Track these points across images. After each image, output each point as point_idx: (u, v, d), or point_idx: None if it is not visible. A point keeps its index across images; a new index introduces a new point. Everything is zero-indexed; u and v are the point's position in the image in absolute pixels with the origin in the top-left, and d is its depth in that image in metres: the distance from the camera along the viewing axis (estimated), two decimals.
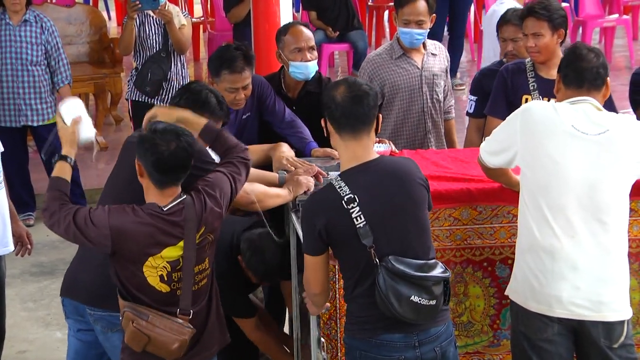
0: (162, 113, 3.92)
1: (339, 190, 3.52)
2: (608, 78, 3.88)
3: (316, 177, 4.43)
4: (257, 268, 4.36)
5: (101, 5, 14.51)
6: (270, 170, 4.55)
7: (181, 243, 3.65)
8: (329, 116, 3.60)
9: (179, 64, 7.23)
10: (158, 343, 3.64)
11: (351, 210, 3.49)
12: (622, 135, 3.73)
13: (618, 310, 3.72)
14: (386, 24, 12.80)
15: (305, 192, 4.27)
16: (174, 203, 3.65)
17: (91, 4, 13.52)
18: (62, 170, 3.80)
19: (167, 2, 6.99)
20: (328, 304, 3.94)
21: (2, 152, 4.72)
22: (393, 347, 3.54)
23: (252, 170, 4.38)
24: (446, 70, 5.51)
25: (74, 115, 3.85)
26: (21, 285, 6.51)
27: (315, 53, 5.07)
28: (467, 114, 5.56)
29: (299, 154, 4.78)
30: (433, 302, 3.51)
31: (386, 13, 12.52)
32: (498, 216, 4.24)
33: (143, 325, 3.62)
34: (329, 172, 4.47)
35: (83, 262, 3.99)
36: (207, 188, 3.73)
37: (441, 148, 5.41)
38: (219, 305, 3.90)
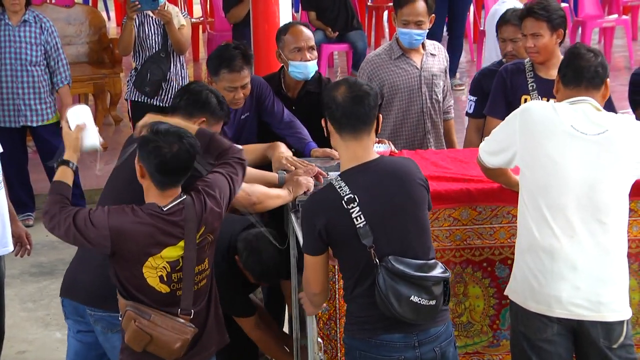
0: (154, 120, 3.92)
1: (339, 190, 3.52)
2: (608, 79, 3.88)
3: (316, 177, 4.44)
4: (254, 268, 4.36)
5: (100, 5, 14.52)
6: (268, 169, 4.56)
7: (181, 243, 3.65)
8: (329, 116, 3.60)
9: (178, 65, 7.23)
10: (160, 342, 3.64)
11: (351, 210, 3.49)
12: (621, 136, 3.73)
13: (617, 310, 3.72)
14: (385, 24, 12.81)
15: (305, 193, 4.28)
16: (173, 203, 3.65)
17: (90, 4, 13.54)
18: (64, 174, 3.80)
19: (167, 3, 6.99)
20: (325, 305, 3.94)
21: (1, 153, 4.72)
22: (393, 347, 3.54)
23: (252, 171, 4.39)
24: (445, 71, 5.51)
25: (79, 121, 3.87)
26: (20, 285, 6.51)
27: (315, 53, 5.08)
28: (467, 114, 5.56)
29: (299, 154, 4.78)
30: (433, 302, 3.51)
31: (385, 13, 12.52)
32: (498, 216, 4.24)
33: (145, 324, 3.62)
34: (329, 172, 4.47)
35: (83, 263, 3.99)
36: (207, 188, 3.73)
37: (440, 148, 5.41)
38: (217, 306, 3.90)
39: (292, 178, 4.36)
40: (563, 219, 3.70)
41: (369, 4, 12.45)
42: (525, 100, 4.86)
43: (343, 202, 3.50)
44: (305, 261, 3.63)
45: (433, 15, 5.31)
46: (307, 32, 5.07)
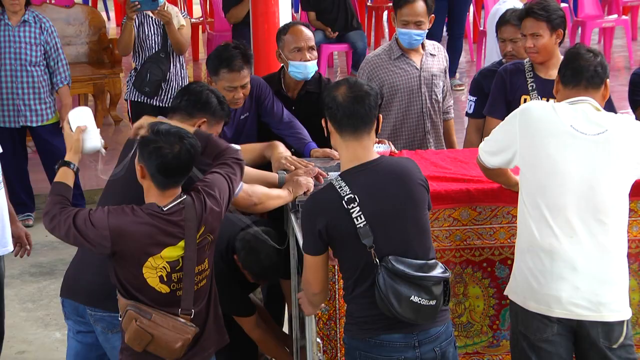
0: (150, 122, 3.91)
1: (339, 190, 3.52)
2: (608, 80, 3.88)
3: (317, 178, 4.44)
4: (252, 267, 4.37)
5: (100, 5, 14.53)
6: (266, 168, 4.56)
7: (181, 243, 3.65)
8: (330, 116, 3.60)
9: (178, 65, 7.23)
10: (161, 342, 3.64)
11: (351, 210, 3.49)
12: (621, 135, 3.73)
13: (617, 310, 3.72)
14: (385, 24, 12.81)
15: (304, 193, 4.28)
16: (174, 203, 3.65)
17: (90, 4, 13.54)
18: (65, 175, 3.80)
19: (166, 3, 6.99)
20: (324, 305, 3.94)
21: (1, 153, 4.72)
22: (393, 347, 3.54)
23: (253, 171, 4.40)
24: (445, 71, 5.51)
25: (81, 123, 3.87)
26: (20, 285, 6.51)
27: (315, 53, 5.07)
28: (467, 114, 5.56)
29: (298, 154, 4.78)
30: (433, 302, 3.51)
31: (385, 13, 12.52)
32: (497, 217, 4.24)
33: (146, 324, 3.62)
34: (329, 173, 4.47)
35: (83, 263, 3.99)
36: (207, 188, 3.73)
37: (440, 148, 5.41)
38: (217, 306, 3.90)
39: (292, 178, 4.37)
40: (563, 219, 3.70)
41: (368, 4, 12.45)
42: (525, 101, 4.86)
43: (343, 202, 3.50)
44: (305, 261, 3.63)
45: (433, 15, 5.31)
46: (307, 32, 5.07)
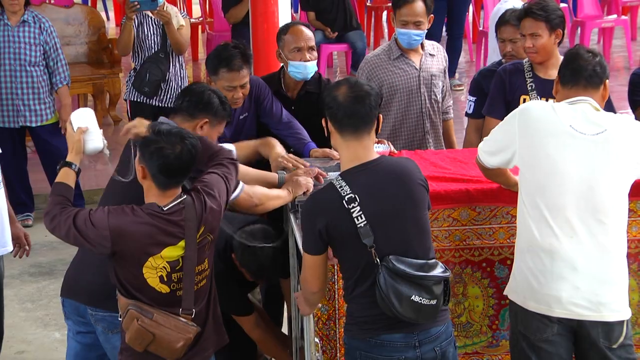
0: (143, 124, 3.91)
1: (339, 190, 3.52)
2: (607, 80, 3.88)
3: (316, 178, 4.44)
4: (249, 266, 4.37)
5: (100, 5, 14.53)
6: (262, 165, 4.55)
7: (181, 243, 3.65)
8: (330, 116, 3.60)
9: (177, 65, 7.23)
10: (163, 342, 3.63)
11: (352, 210, 3.50)
12: (620, 135, 3.74)
13: (617, 310, 3.72)
14: (385, 24, 12.80)
15: (304, 193, 4.28)
16: (174, 203, 3.65)
17: (90, 4, 13.53)
18: (66, 176, 3.81)
19: (166, 3, 6.99)
20: (321, 304, 3.94)
21: (0, 153, 4.72)
22: (393, 347, 3.54)
23: (252, 172, 4.40)
24: (444, 71, 5.51)
25: (82, 124, 3.87)
26: (20, 285, 6.51)
27: (315, 53, 5.07)
28: (466, 114, 5.56)
29: (298, 154, 4.78)
30: (434, 302, 3.51)
31: (385, 13, 12.52)
32: (497, 217, 4.24)
33: (148, 323, 3.62)
34: (329, 173, 4.47)
35: (84, 263, 3.99)
36: (206, 188, 3.73)
37: (440, 148, 5.41)
38: (216, 306, 3.90)
39: (291, 178, 4.37)
40: (562, 219, 3.70)
41: (368, 4, 12.45)
42: (524, 101, 4.86)
43: (344, 202, 3.50)
44: (304, 260, 3.64)
45: (432, 15, 5.32)
46: (307, 32, 5.06)
